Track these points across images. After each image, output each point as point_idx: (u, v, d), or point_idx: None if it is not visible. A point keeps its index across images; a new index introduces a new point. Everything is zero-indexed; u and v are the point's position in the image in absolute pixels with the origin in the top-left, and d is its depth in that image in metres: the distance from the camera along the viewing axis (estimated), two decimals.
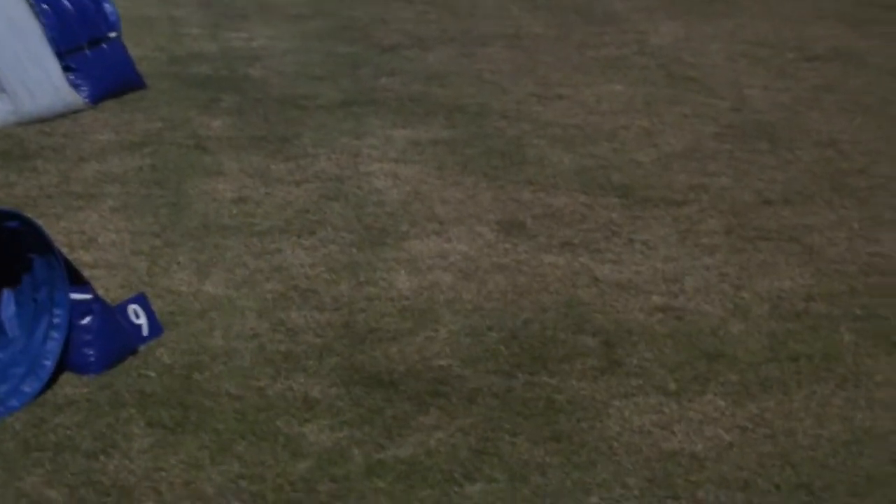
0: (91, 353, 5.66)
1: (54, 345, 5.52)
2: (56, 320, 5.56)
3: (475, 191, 7.95)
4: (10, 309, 5.69)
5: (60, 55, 9.45)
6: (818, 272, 6.90)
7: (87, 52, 9.68)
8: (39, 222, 5.64)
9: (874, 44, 11.68)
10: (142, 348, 5.91)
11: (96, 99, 9.52)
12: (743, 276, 6.84)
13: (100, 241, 7.20)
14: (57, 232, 6.90)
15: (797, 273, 6.89)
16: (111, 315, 5.82)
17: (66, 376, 5.57)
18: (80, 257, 6.74)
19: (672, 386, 5.70)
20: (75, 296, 5.62)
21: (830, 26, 12.30)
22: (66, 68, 9.43)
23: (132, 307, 5.97)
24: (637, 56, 11.21)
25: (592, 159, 8.53)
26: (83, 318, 5.67)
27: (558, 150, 8.68)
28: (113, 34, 9.98)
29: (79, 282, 5.70)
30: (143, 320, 5.96)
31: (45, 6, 9.52)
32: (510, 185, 8.05)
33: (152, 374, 5.73)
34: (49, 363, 5.48)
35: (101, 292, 6.07)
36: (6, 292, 5.64)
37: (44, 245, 5.45)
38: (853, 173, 8.36)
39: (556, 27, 12.20)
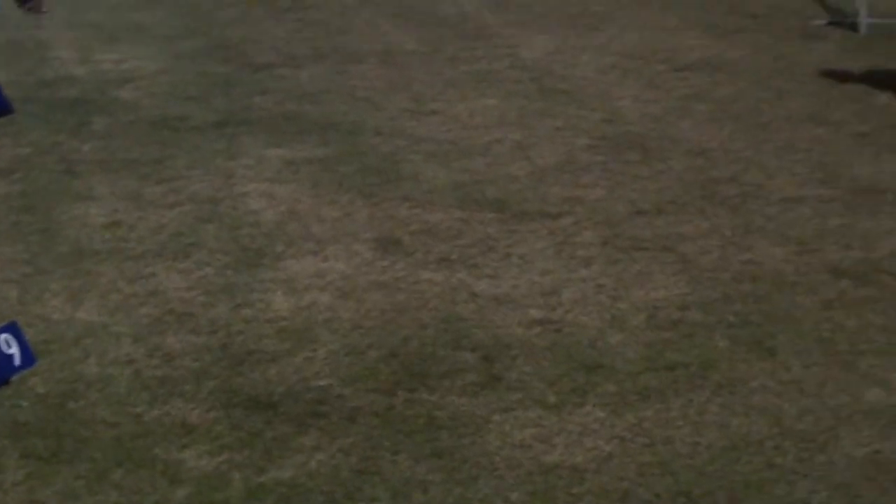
0: None
1: None
2: None
3: (351, 209, 7.95)
4: None
5: None
6: (692, 280, 6.96)
7: None
8: None
9: (742, 53, 11.83)
10: (14, 378, 5.83)
11: None
12: (619, 286, 6.88)
13: None
14: None
15: (672, 282, 6.95)
16: None
17: None
18: None
19: (551, 399, 5.72)
20: None
21: (699, 37, 12.44)
22: None
23: (3, 336, 5.86)
24: (509, 70, 11.26)
25: (467, 174, 8.55)
26: None
27: (433, 166, 8.70)
28: None
29: None
30: (14, 350, 5.86)
31: None
32: (386, 202, 8.06)
33: (25, 403, 5.66)
34: None
35: None
36: None
37: None
38: (724, 181, 8.44)
39: (429, 43, 12.23)
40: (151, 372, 5.94)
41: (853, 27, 12.56)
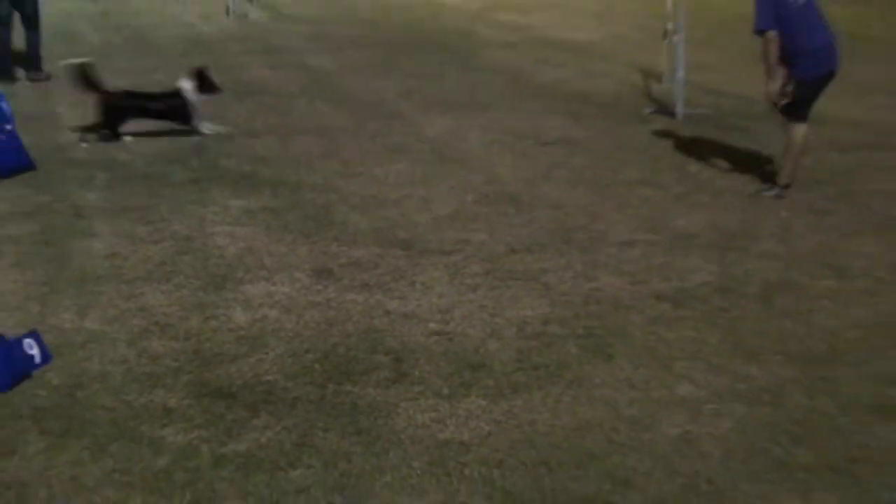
0: None
1: None
2: None
3: (294, 246, 7.94)
4: None
5: None
6: (552, 303, 7.01)
7: None
8: None
9: (591, 133, 11.91)
10: (35, 373, 5.81)
11: None
12: (497, 307, 6.92)
13: (0, 290, 7.07)
14: None
15: (537, 304, 6.99)
16: (10, 348, 5.73)
17: None
18: None
19: (445, 391, 5.76)
20: None
21: (559, 120, 12.51)
22: None
23: (26, 341, 5.89)
24: (416, 143, 11.28)
25: (383, 221, 8.56)
26: None
27: (357, 214, 8.71)
28: (9, 127, 9.82)
29: None
30: (35, 351, 5.87)
31: None
32: (321, 241, 8.05)
33: (43, 392, 5.65)
34: None
35: (1, 330, 5.98)
36: None
37: None
38: (576, 229, 8.51)
39: (354, 121, 12.24)
40: (140, 369, 5.92)
41: (672, 115, 12.69)
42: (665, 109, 12.98)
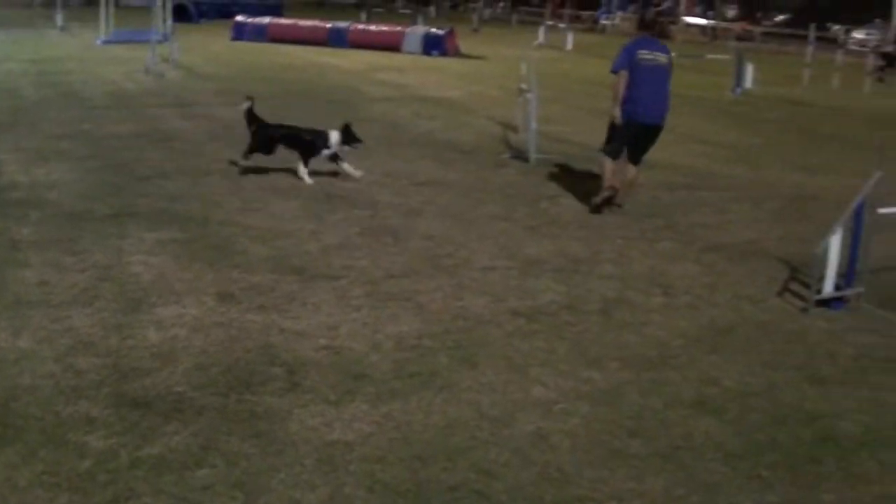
0: None
1: None
2: None
3: (200, 273, 7.77)
4: None
5: None
6: (425, 320, 6.98)
7: None
8: None
9: (457, 175, 11.98)
10: None
11: None
12: (378, 324, 6.86)
13: None
14: None
15: (412, 321, 6.95)
16: None
17: None
18: None
19: (332, 397, 5.68)
20: None
21: (430, 164, 12.55)
22: None
23: None
24: (307, 184, 11.17)
25: (279, 250, 8.44)
26: None
27: (256, 245, 8.57)
28: None
29: None
30: None
31: None
32: (224, 268, 7.90)
33: None
34: None
35: None
36: None
37: None
38: (444, 256, 8.51)
39: (253, 163, 12.04)
40: (66, 382, 5.72)
41: (526, 160, 12.80)
42: (520, 155, 13.09)
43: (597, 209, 10.29)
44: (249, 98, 11.69)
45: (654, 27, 11.08)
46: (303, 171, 11.32)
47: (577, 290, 7.82)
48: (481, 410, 5.61)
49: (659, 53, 10.20)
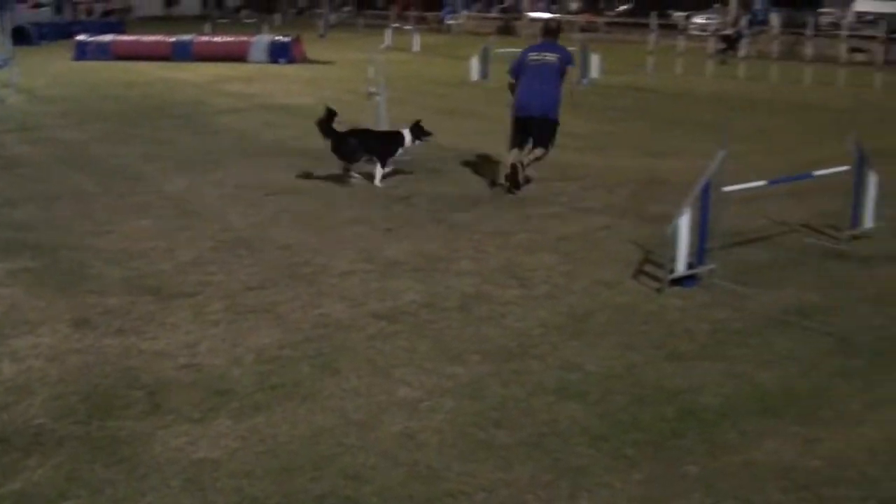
0: None
1: None
2: None
3: (54, 300, 7.57)
4: None
5: None
6: (285, 330, 6.94)
7: None
8: None
9: (310, 182, 11.93)
10: None
11: None
12: (237, 338, 6.79)
13: None
14: None
15: (272, 332, 6.90)
16: None
17: None
18: None
19: (196, 416, 5.61)
20: None
21: (282, 173, 12.45)
22: None
23: None
24: (158, 200, 11.00)
25: (133, 271, 8.29)
26: None
27: (110, 267, 8.39)
28: None
29: None
30: None
31: None
32: (79, 294, 7.71)
33: None
34: None
35: None
36: None
37: None
38: (302, 264, 8.46)
39: (103, 185, 11.83)
40: None
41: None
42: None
43: (509, 190, 11.35)
44: (331, 112, 11.85)
45: (556, 34, 11.99)
46: (380, 173, 11.59)
47: (436, 287, 7.87)
48: (347, 416, 5.61)
49: (547, 54, 11.39)
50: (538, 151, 11.38)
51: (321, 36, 37.78)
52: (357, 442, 5.31)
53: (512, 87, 11.63)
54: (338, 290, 7.81)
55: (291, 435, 5.39)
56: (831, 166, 9.26)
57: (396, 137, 11.78)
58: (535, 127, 11.30)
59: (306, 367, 6.29)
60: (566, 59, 11.49)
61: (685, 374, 6.28)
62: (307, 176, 12.24)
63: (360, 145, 11.68)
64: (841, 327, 7.12)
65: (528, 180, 11.46)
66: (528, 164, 11.38)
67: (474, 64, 22.62)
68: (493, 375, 6.17)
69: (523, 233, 9.56)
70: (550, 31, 12.01)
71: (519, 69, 11.49)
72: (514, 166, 11.27)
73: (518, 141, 11.39)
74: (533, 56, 11.44)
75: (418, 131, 11.83)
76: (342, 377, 6.14)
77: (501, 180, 11.60)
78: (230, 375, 6.17)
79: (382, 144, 11.74)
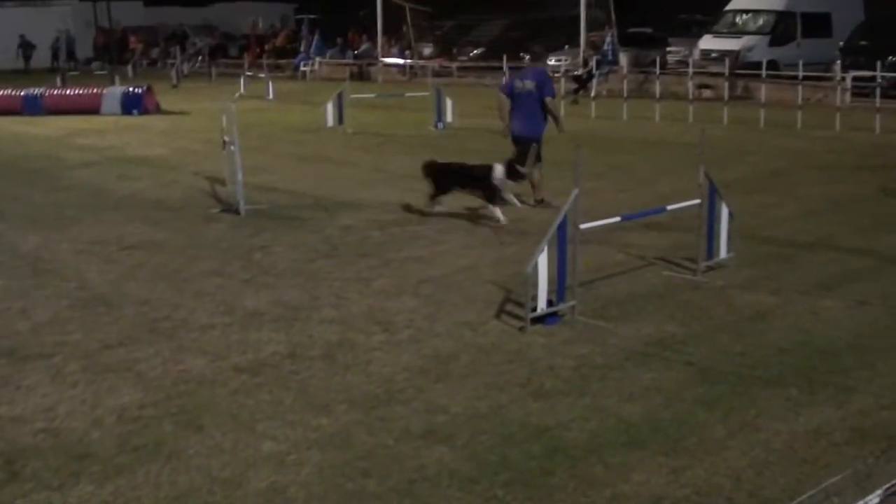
0: None
1: None
2: None
3: None
4: None
5: None
6: (147, 388, 6.79)
7: None
8: None
9: (166, 235, 11.70)
10: None
11: None
12: (97, 398, 6.62)
13: None
14: None
15: (132, 391, 6.74)
16: None
17: None
18: None
19: (55, 483, 5.47)
20: None
21: (138, 226, 12.20)
22: None
23: None
24: (11, 260, 10.64)
25: None
26: None
27: None
28: None
29: None
30: None
31: None
32: None
33: None
34: None
35: None
36: None
37: None
38: (161, 319, 8.30)
39: None
40: None
41: (237, 212, 12.69)
42: (230, 208, 12.97)
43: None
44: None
45: (540, 60, 14.44)
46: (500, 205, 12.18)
47: (298, 337, 7.80)
48: (212, 474, 5.51)
49: (528, 81, 13.07)
50: (538, 173, 13.05)
51: (175, 86, 37.27)
52: (223, 501, 5.21)
53: (502, 106, 13.47)
54: (198, 345, 7.68)
55: (156, 497, 5.26)
56: (684, 199, 9.52)
57: (489, 171, 12.12)
58: (525, 143, 12.61)
59: (169, 426, 6.15)
60: (541, 84, 13.07)
61: (551, 410, 6.35)
62: (164, 229, 12.02)
63: (454, 176, 12.32)
64: (701, 357, 7.30)
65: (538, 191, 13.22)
66: (538, 186, 13.15)
67: (329, 110, 22.62)
68: (359, 424, 6.14)
69: (384, 278, 9.56)
70: (534, 59, 15.13)
71: (510, 93, 13.25)
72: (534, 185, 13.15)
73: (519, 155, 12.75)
74: (517, 85, 13.20)
75: (511, 170, 12.17)
76: (206, 434, 6.02)
77: (358, 223, 11.84)
78: (90, 438, 6.00)
79: (476, 178, 12.16)
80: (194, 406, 6.47)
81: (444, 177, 12.28)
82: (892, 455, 5.67)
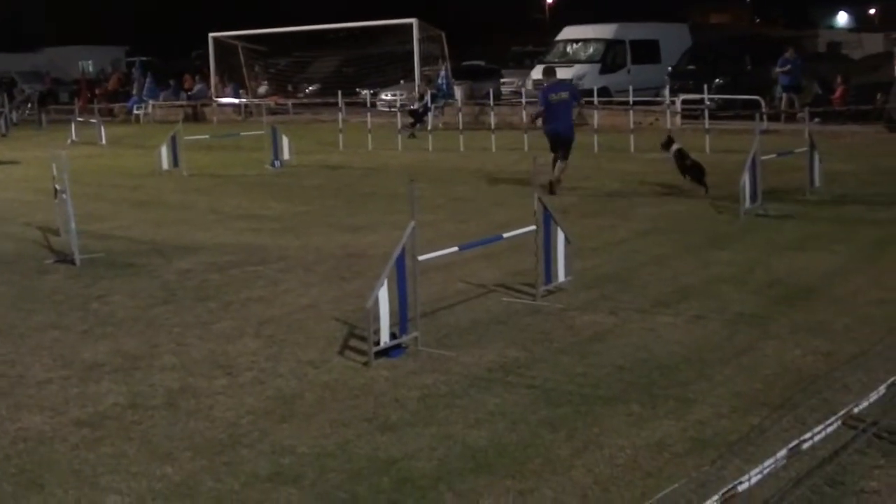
0: None
1: None
2: None
3: None
4: None
5: None
6: None
7: None
8: None
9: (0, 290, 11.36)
10: None
11: None
12: None
13: None
14: None
15: None
16: None
17: None
18: None
19: None
20: None
21: None
22: None
23: None
24: None
25: None
26: None
27: None
28: None
29: None
30: None
31: None
32: None
33: None
34: None
35: None
36: None
37: None
38: None
39: None
40: None
41: (72, 262, 12.38)
42: (65, 258, 12.64)
43: (550, 192, 16.26)
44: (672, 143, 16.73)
45: (554, 74, 19.16)
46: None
47: (139, 387, 7.66)
48: None
49: (562, 92, 17.44)
50: (563, 164, 17.21)
51: (3, 135, 36.20)
52: None
53: (538, 115, 17.79)
54: (36, 401, 7.45)
55: None
56: (521, 227, 9.73)
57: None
58: (562, 140, 17.24)
59: (8, 487, 5.96)
60: (574, 92, 18.74)
61: (398, 442, 6.40)
62: None
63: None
64: (544, 379, 7.47)
65: (559, 181, 17.05)
66: (560, 174, 17.10)
67: (164, 153, 22.30)
68: (205, 470, 6.06)
69: (225, 321, 9.46)
70: (549, 74, 18.99)
71: (545, 104, 17.28)
72: (551, 182, 16.73)
73: (554, 149, 17.35)
74: (552, 96, 17.19)
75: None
76: (47, 493, 5.86)
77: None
78: None
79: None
80: (34, 464, 6.28)
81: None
82: (729, 460, 5.90)
